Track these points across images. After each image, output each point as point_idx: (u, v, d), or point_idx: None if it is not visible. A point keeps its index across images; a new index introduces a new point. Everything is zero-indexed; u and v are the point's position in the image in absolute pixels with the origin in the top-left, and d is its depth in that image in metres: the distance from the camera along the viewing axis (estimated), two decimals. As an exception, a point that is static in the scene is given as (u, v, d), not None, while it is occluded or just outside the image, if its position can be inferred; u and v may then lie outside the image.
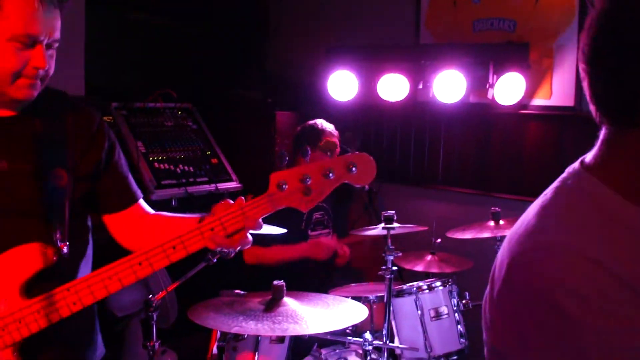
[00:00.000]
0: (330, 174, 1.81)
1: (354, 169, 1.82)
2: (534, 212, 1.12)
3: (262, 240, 3.99)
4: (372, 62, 4.57)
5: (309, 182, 1.80)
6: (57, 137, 1.90)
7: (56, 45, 1.83)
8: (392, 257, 3.18)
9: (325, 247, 4.08)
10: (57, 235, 1.84)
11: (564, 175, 1.14)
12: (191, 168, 4.39)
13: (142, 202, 2.15)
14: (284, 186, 1.80)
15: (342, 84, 4.61)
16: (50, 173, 1.84)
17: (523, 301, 1.06)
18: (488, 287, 1.18)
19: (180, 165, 4.37)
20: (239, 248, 1.86)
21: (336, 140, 4.05)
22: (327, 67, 4.66)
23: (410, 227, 3.49)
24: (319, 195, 1.82)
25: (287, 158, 1.95)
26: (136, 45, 4.79)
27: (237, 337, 3.26)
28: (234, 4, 5.34)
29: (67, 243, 1.86)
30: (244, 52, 5.41)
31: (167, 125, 4.53)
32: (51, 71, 1.85)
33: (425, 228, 3.66)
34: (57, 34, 1.81)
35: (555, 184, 1.14)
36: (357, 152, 1.91)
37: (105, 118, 4.35)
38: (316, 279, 4.05)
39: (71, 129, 1.94)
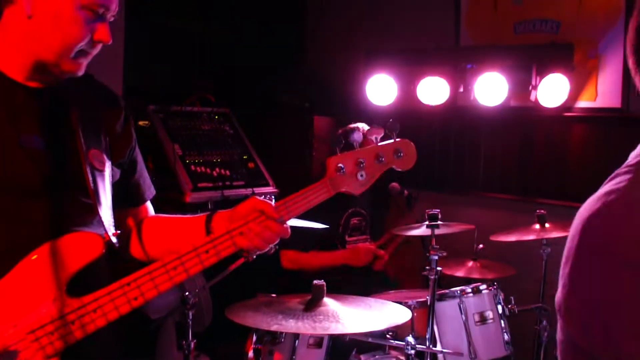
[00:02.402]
0: (382, 158, 1.92)
1: (400, 154, 1.95)
2: (602, 190, 1.04)
3: (301, 245, 3.93)
4: (412, 65, 4.50)
5: (364, 166, 1.89)
6: (92, 117, 1.80)
7: (112, 19, 1.73)
8: (436, 257, 3.07)
9: (364, 253, 3.99)
10: (107, 223, 1.71)
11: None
12: (228, 172, 4.36)
13: (149, 203, 2.06)
14: (342, 169, 1.87)
15: (381, 88, 4.55)
16: (89, 154, 1.72)
17: (603, 263, 0.97)
18: (561, 280, 1.08)
19: (217, 169, 4.33)
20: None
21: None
22: (366, 71, 4.60)
23: (455, 226, 3.38)
24: (371, 178, 1.92)
25: (343, 141, 1.95)
26: (175, 49, 4.78)
27: (274, 340, 3.19)
28: (273, 9, 5.32)
29: (118, 232, 1.75)
30: (282, 57, 5.37)
31: (204, 129, 4.51)
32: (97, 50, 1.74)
33: (472, 227, 3.54)
34: (117, 8, 1.72)
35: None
36: (400, 139, 1.97)
37: (141, 122, 4.34)
38: (354, 285, 3.95)
39: (103, 112, 1.85)
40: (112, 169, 1.81)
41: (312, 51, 5.57)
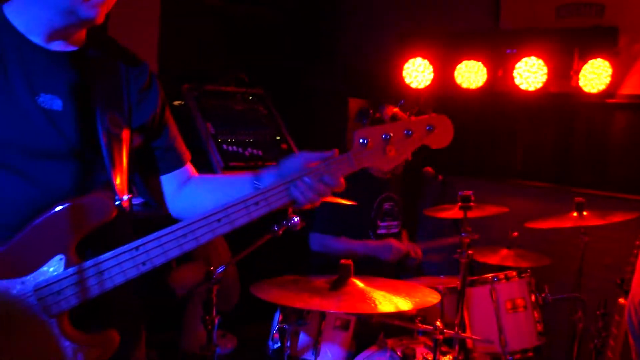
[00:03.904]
0: (411, 134, 1.84)
1: (433, 129, 1.86)
2: None
3: (331, 228, 3.88)
4: (449, 48, 4.42)
5: (391, 140, 1.83)
6: (113, 81, 1.80)
7: None
8: (468, 240, 2.99)
9: (396, 251, 3.89)
10: (118, 186, 1.69)
11: None
12: (260, 152, 4.33)
13: (190, 164, 2.04)
14: (366, 143, 1.81)
15: (417, 71, 4.47)
16: (106, 117, 1.72)
17: None
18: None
19: (249, 149, 4.31)
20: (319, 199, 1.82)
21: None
22: (402, 54, 4.53)
23: (488, 209, 3.30)
24: (400, 154, 1.85)
25: (371, 112, 1.89)
26: (211, 29, 4.77)
27: (300, 320, 3.15)
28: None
29: (130, 195, 1.73)
30: (318, 39, 5.32)
31: (238, 109, 4.49)
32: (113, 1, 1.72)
33: (506, 209, 3.45)
34: None
35: None
36: (435, 114, 1.89)
37: (176, 102, 4.34)
38: (383, 270, 3.89)
39: (125, 76, 1.83)
40: (133, 133, 1.80)
41: (348, 36, 5.51)
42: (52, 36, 1.71)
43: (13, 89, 1.64)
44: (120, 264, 1.66)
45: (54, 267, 1.63)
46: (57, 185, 1.66)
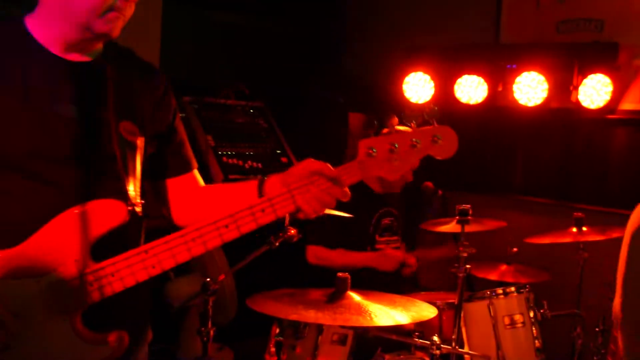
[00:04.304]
0: (417, 144, 1.85)
1: (438, 140, 1.86)
2: None
3: (328, 241, 3.87)
4: (450, 63, 4.43)
5: (397, 150, 1.84)
6: (128, 90, 1.86)
7: None
8: (466, 254, 2.98)
9: (392, 259, 3.88)
10: (131, 192, 1.77)
11: None
12: (260, 165, 4.34)
13: (196, 172, 2.08)
14: (373, 153, 1.83)
15: (417, 86, 4.47)
16: (120, 125, 1.79)
17: None
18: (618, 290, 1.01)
19: (249, 162, 4.32)
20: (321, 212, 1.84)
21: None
22: (403, 68, 4.54)
23: (486, 223, 3.28)
24: (405, 164, 1.86)
25: (375, 122, 1.90)
26: (212, 41, 4.79)
27: (297, 334, 3.14)
28: (312, 3, 5.29)
29: (142, 202, 1.82)
30: (319, 52, 5.34)
31: (238, 122, 4.51)
32: (129, 14, 1.79)
33: (504, 224, 3.43)
34: None
35: None
36: (438, 125, 1.89)
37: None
38: (381, 287, 3.87)
39: (140, 85, 1.90)
40: (146, 141, 1.87)
41: (350, 48, 5.53)
42: (70, 48, 1.79)
43: (32, 97, 1.72)
44: (130, 267, 1.72)
45: (67, 268, 1.70)
46: (73, 190, 1.73)
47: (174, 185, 2.01)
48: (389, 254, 3.91)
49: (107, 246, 1.73)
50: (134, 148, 1.81)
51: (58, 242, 1.70)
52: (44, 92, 1.73)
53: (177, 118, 2.00)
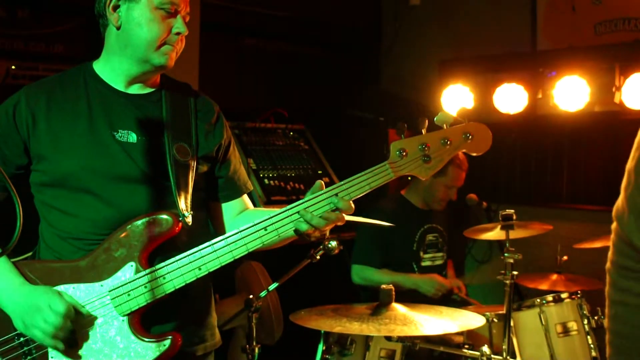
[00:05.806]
0: (448, 142, 1.90)
1: (470, 136, 1.92)
2: None
3: (373, 261, 3.84)
4: (487, 73, 4.40)
5: (428, 150, 1.90)
6: (183, 117, 2.10)
7: (187, 19, 2.06)
8: (512, 260, 2.90)
9: (439, 286, 3.80)
10: (182, 206, 1.98)
11: None
12: (302, 186, 4.35)
13: (246, 197, 2.29)
14: (404, 153, 1.90)
15: (456, 98, 4.45)
16: (174, 147, 2.03)
17: None
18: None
19: (291, 183, 4.33)
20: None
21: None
22: (441, 81, 4.52)
23: (531, 227, 3.20)
24: (439, 162, 1.92)
25: (406, 125, 1.93)
26: (251, 67, 4.88)
27: (343, 351, 3.12)
28: (347, 25, 5.33)
29: (192, 213, 2.01)
30: (357, 72, 5.36)
31: (279, 144, 4.54)
32: (181, 47, 2.06)
33: (550, 227, 3.33)
34: (188, 9, 2.06)
35: None
36: (472, 122, 1.95)
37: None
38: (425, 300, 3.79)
39: (194, 112, 2.14)
40: (198, 161, 2.08)
41: (387, 68, 5.53)
42: (130, 82, 2.08)
43: (96, 126, 2.02)
44: (180, 269, 1.93)
45: (126, 272, 1.95)
46: (131, 206, 1.98)
47: (227, 209, 2.23)
48: (435, 279, 3.83)
49: (161, 252, 1.97)
50: (186, 167, 2.04)
51: (119, 251, 1.96)
52: (105, 121, 2.02)
53: (230, 146, 2.22)
